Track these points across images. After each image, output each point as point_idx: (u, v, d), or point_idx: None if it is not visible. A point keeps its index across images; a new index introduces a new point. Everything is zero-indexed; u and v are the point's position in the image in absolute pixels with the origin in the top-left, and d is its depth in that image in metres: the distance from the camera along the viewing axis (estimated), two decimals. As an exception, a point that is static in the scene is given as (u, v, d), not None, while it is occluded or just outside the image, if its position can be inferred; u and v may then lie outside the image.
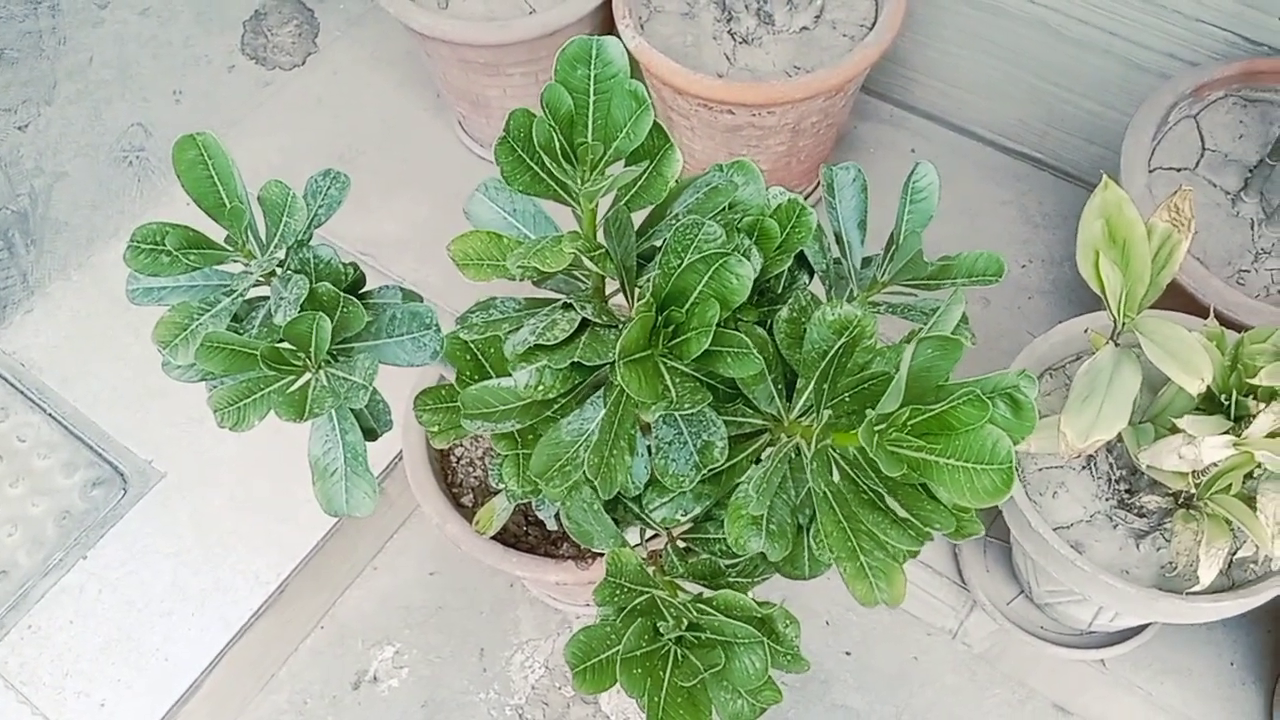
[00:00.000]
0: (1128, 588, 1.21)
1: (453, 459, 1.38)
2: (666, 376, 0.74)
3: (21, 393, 1.85)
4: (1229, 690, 1.55)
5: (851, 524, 0.76)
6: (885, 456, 0.66)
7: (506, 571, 1.28)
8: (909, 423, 0.67)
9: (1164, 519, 1.27)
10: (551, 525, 1.30)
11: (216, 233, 0.90)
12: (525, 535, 1.32)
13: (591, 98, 0.75)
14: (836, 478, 0.77)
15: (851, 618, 1.64)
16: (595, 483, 0.76)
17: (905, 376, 0.65)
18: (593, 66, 0.75)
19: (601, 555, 1.25)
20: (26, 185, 2.13)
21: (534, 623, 1.66)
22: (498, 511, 1.20)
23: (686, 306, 0.73)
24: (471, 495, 1.36)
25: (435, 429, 1.02)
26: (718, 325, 0.72)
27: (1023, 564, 1.50)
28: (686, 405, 0.72)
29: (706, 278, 0.72)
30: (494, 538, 1.26)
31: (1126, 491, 1.29)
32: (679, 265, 0.74)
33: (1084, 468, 1.32)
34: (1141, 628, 1.55)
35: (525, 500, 1.18)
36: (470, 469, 1.38)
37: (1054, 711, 1.56)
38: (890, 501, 0.71)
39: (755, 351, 0.71)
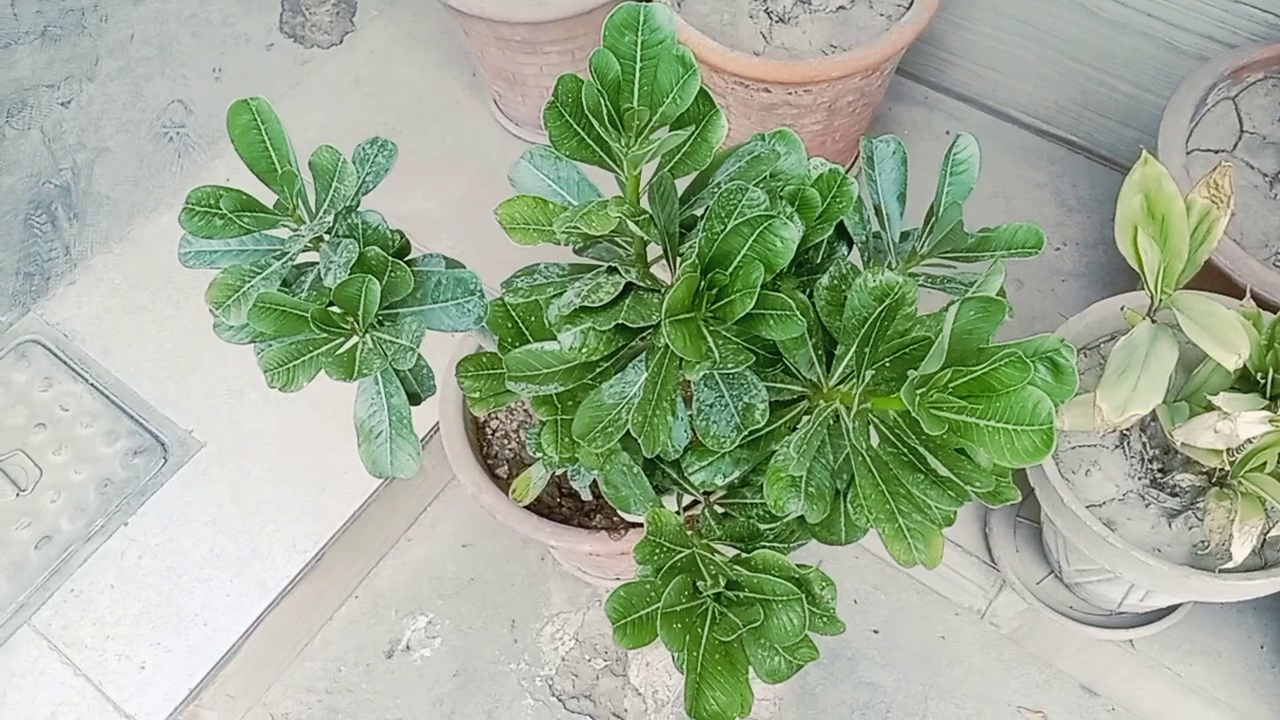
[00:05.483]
0: (1160, 564, 1.21)
1: (488, 431, 1.40)
2: (709, 338, 0.75)
3: (64, 363, 1.88)
4: (1258, 673, 1.55)
5: (890, 486, 0.77)
6: (927, 416, 0.67)
7: (540, 542, 1.30)
8: (950, 384, 0.68)
9: (1196, 498, 1.27)
10: (586, 495, 1.32)
11: (265, 201, 0.92)
12: (559, 507, 1.34)
13: (638, 63, 0.76)
14: (876, 442, 0.78)
15: (880, 596, 1.65)
16: (640, 439, 0.77)
17: (948, 337, 0.66)
18: (640, 32, 0.76)
19: (635, 527, 1.26)
20: (69, 160, 2.17)
21: (565, 595, 1.68)
22: (534, 480, 1.22)
23: (731, 269, 0.74)
24: (506, 467, 1.37)
25: (476, 395, 1.04)
26: (761, 288, 0.73)
27: (1053, 543, 1.50)
28: (729, 365, 0.73)
29: (751, 240, 0.73)
30: (528, 509, 1.28)
31: (1159, 470, 1.29)
32: (723, 229, 0.75)
33: (1117, 446, 1.32)
34: (1171, 609, 1.55)
35: (562, 468, 1.19)
36: (505, 441, 1.39)
37: (1081, 692, 1.56)
38: (931, 461, 0.72)
39: (798, 313, 0.72)
